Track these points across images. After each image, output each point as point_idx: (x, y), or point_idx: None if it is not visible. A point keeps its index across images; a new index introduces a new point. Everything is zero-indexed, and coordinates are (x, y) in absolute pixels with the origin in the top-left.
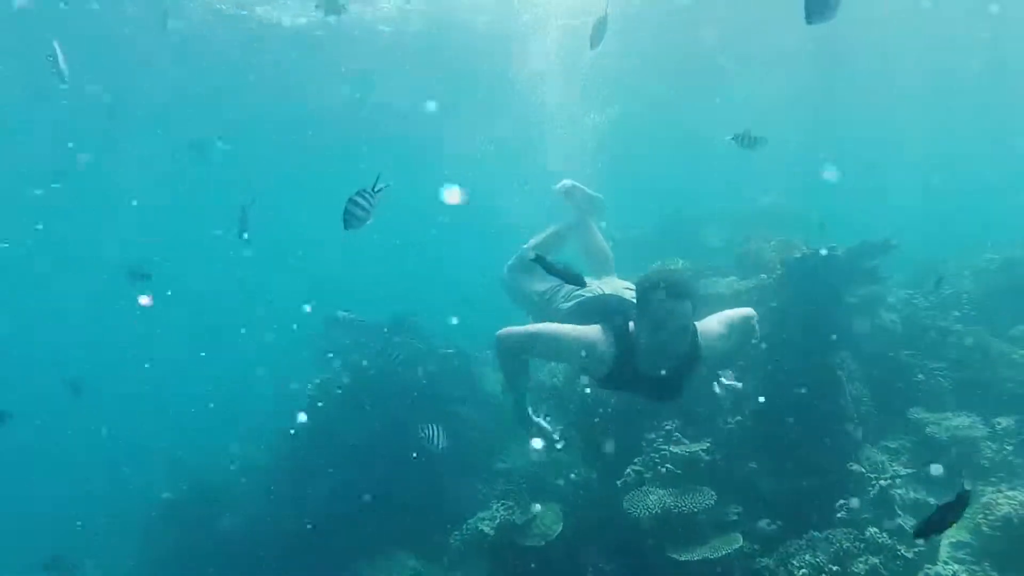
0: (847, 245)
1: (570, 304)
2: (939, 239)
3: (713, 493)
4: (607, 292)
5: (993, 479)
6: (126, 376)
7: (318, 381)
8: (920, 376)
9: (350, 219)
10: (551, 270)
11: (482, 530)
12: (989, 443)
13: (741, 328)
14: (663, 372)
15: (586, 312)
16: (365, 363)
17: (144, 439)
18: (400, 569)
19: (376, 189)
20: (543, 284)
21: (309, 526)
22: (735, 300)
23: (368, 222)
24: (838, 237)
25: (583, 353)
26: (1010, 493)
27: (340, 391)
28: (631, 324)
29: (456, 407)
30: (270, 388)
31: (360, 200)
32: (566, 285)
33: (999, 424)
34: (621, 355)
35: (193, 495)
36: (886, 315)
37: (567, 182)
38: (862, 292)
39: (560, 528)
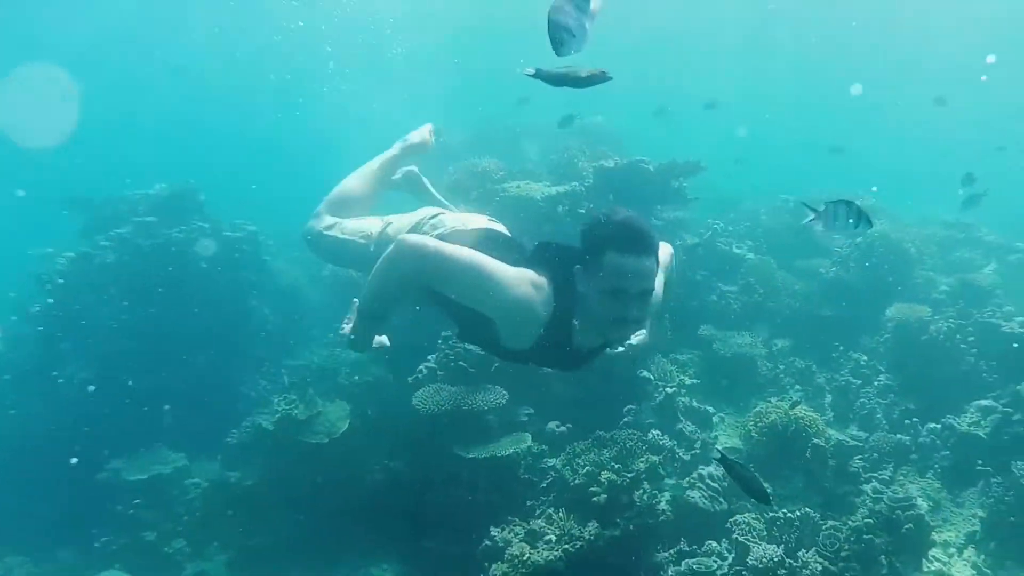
0: (658, 162)
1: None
2: (746, 179)
3: (505, 393)
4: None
5: (766, 393)
6: None
7: (72, 255)
8: (713, 297)
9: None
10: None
11: (261, 425)
12: (766, 362)
13: (672, 273)
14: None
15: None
16: (132, 241)
17: None
18: (162, 463)
19: None
20: (390, 217)
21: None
22: (547, 204)
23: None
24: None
25: (503, 311)
26: (778, 403)
27: (98, 269)
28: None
29: (243, 298)
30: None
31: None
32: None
33: (776, 345)
34: (556, 321)
35: None
36: (688, 237)
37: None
38: (667, 216)
39: (346, 426)
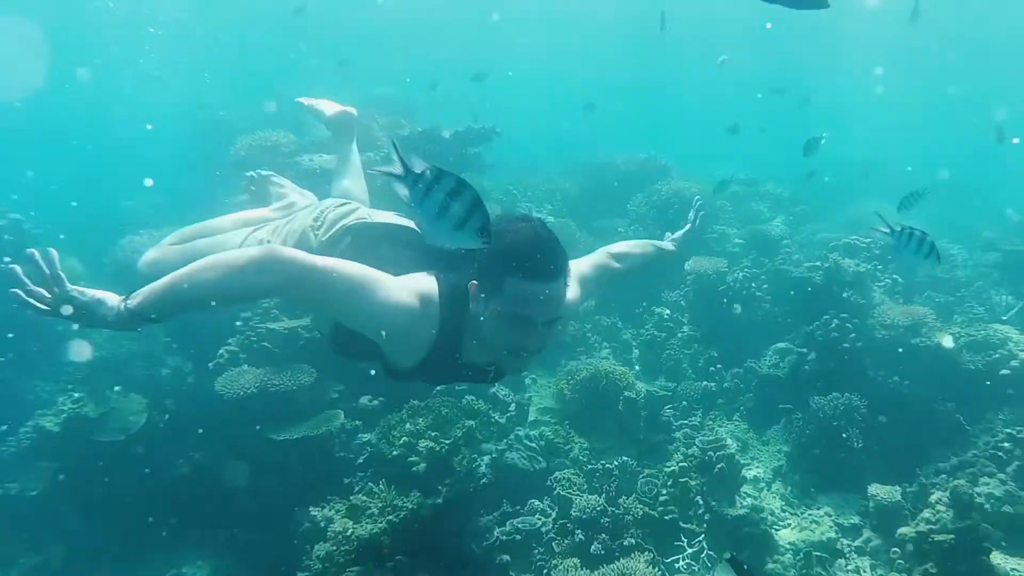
0: (454, 129)
1: (332, 234)
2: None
3: (313, 371)
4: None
5: (575, 352)
6: None
7: None
8: None
9: None
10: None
11: (45, 428)
12: (571, 321)
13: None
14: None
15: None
16: None
17: None
18: None
19: None
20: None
21: None
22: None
23: None
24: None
25: (384, 332)
26: (588, 361)
27: None
28: (473, 291)
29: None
30: None
31: None
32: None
33: (581, 305)
34: (443, 341)
35: None
36: (491, 205)
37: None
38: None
39: (144, 420)
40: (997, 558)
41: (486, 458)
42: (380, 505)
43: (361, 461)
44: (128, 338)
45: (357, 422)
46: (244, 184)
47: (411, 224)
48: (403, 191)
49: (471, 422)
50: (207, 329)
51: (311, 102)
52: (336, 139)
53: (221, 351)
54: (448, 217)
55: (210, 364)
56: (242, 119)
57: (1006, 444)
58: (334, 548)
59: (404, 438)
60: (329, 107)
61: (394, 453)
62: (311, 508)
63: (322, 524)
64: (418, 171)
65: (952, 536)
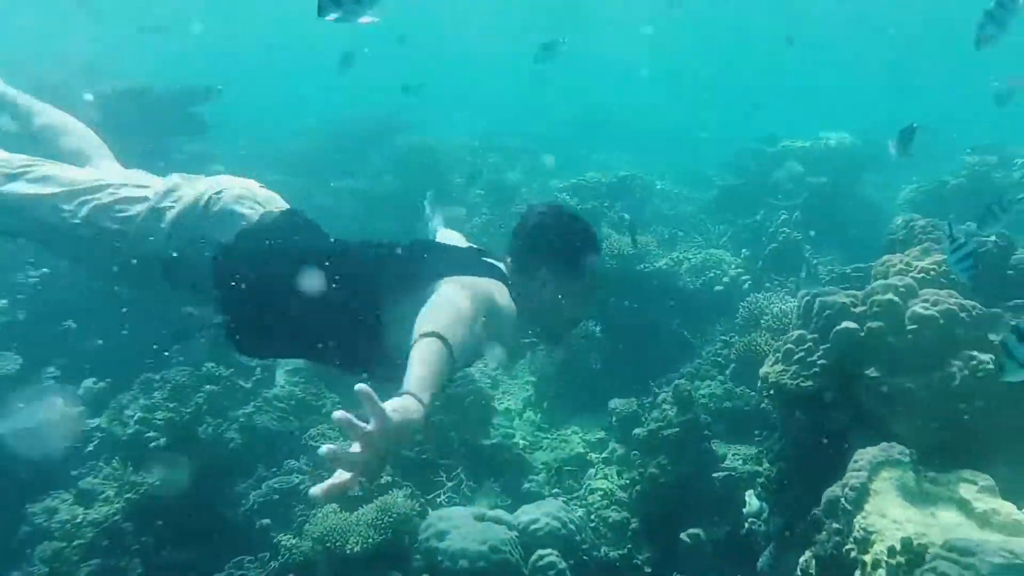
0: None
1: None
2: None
3: (18, 357)
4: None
5: None
6: None
7: None
8: None
9: None
10: None
11: None
12: None
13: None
14: None
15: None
16: None
17: None
18: None
19: None
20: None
21: None
22: None
23: None
24: None
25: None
26: None
27: None
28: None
29: None
30: None
31: None
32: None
33: None
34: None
35: None
36: (217, 167)
37: None
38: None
39: None
40: (720, 446)
41: (235, 424)
42: (117, 486)
43: (91, 449)
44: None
45: (81, 407)
46: None
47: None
48: None
49: (213, 387)
50: None
51: None
52: None
53: None
54: None
55: None
56: None
57: (724, 351)
58: (63, 544)
59: (139, 414)
60: None
61: (129, 432)
62: (28, 505)
63: (43, 521)
64: None
65: (677, 429)
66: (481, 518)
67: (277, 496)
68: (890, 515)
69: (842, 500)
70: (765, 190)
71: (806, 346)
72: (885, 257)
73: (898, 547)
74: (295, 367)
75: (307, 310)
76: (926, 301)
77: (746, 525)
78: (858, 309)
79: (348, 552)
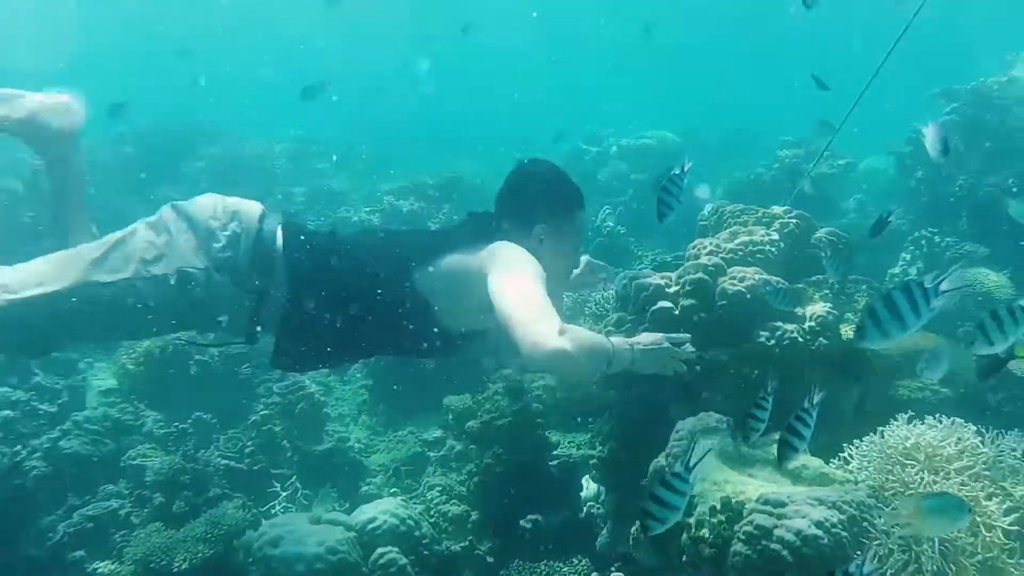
0: None
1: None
2: None
3: None
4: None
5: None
6: None
7: None
8: None
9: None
10: None
11: None
12: None
13: None
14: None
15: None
16: None
17: None
18: None
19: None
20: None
21: None
22: None
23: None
24: None
25: None
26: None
27: None
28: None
29: None
30: None
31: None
32: None
33: None
34: None
35: None
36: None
37: None
38: None
39: None
40: (554, 434)
41: (37, 452)
42: None
43: None
44: None
45: None
46: None
47: None
48: None
49: (8, 412)
50: None
51: None
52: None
53: None
54: None
55: None
56: None
57: None
58: None
59: None
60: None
61: None
62: None
63: None
64: None
65: (509, 419)
66: (317, 521)
67: (91, 524)
68: (710, 478)
69: (665, 469)
70: (595, 188)
71: (625, 327)
72: (696, 241)
73: (718, 506)
74: (109, 388)
75: (368, 311)
76: (734, 278)
77: (584, 509)
78: (672, 289)
79: (175, 570)
